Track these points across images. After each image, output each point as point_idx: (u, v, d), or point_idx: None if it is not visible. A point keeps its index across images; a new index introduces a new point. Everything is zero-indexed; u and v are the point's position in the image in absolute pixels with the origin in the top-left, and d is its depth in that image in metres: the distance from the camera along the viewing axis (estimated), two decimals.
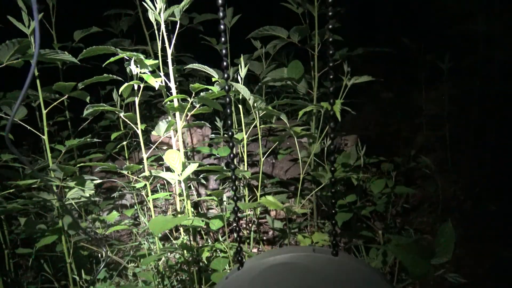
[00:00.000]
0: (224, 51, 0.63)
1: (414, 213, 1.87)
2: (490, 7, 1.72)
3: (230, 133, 0.66)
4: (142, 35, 2.00)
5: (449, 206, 1.76)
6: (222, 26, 0.63)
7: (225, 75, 0.64)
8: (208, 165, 1.29)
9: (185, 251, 1.28)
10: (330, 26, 0.65)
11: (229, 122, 0.65)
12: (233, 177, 0.66)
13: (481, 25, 1.66)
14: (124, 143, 1.69)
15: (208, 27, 2.07)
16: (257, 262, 0.63)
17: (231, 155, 0.66)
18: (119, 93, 1.31)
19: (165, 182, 1.87)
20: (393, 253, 1.11)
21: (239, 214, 0.72)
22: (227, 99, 0.66)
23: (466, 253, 1.55)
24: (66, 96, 1.33)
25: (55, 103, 1.35)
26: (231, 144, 0.66)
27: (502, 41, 1.67)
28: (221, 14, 0.62)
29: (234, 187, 0.67)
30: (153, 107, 2.81)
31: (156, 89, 1.17)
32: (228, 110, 0.66)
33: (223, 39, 0.63)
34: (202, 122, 1.37)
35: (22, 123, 1.33)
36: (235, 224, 0.69)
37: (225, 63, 0.64)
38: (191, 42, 2.17)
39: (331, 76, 0.64)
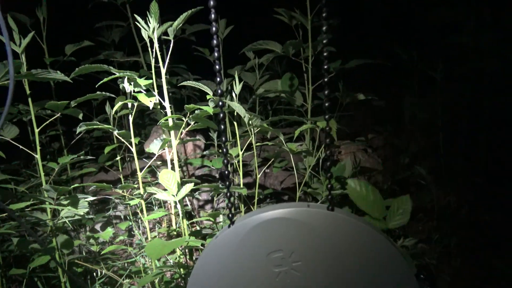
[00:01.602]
0: (217, 67, 0.63)
1: (409, 222, 1.88)
2: (480, 19, 1.73)
3: (224, 150, 0.66)
4: (134, 45, 1.99)
5: (444, 215, 1.77)
6: (215, 41, 0.63)
7: (219, 91, 0.64)
8: (201, 182, 1.29)
9: (181, 269, 1.27)
10: (325, 41, 0.65)
11: (223, 138, 0.65)
12: (228, 194, 0.67)
13: (470, 37, 1.67)
14: (118, 158, 1.68)
15: (201, 36, 2.06)
16: (249, 219, 0.61)
17: (226, 172, 0.65)
18: (113, 109, 1.30)
19: None
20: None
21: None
22: (221, 115, 0.66)
23: (462, 263, 1.56)
24: (59, 114, 1.32)
25: (47, 122, 1.34)
26: (225, 161, 0.65)
27: (491, 52, 1.68)
28: (213, 29, 0.62)
29: (229, 205, 0.66)
30: (146, 115, 2.80)
31: (151, 108, 1.16)
32: (222, 127, 0.65)
33: (216, 54, 0.63)
34: (197, 138, 1.36)
35: (13, 142, 1.32)
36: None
37: (218, 79, 0.64)
38: (184, 51, 2.16)
39: (326, 92, 0.64)
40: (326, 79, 0.61)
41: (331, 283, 0.60)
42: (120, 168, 1.79)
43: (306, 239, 0.60)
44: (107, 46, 2.18)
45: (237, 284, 0.60)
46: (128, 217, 1.89)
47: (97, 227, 1.94)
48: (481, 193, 1.75)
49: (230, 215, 0.64)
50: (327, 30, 0.64)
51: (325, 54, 0.64)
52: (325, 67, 0.64)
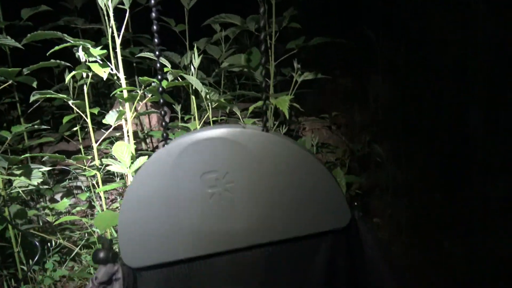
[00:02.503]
0: (156, 40, 0.63)
1: (366, 198, 1.94)
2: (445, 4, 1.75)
3: (163, 123, 0.64)
4: (97, 12, 1.92)
5: (398, 193, 1.84)
6: (153, 14, 0.62)
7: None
8: None
9: None
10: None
11: (162, 112, 0.64)
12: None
13: (435, 21, 1.69)
14: (76, 128, 1.65)
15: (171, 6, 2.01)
16: (183, 139, 0.60)
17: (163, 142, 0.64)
18: (66, 78, 1.27)
19: None
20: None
21: None
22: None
23: (411, 241, 1.63)
24: (10, 82, 1.28)
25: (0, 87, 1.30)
26: (164, 134, 0.64)
27: (454, 37, 1.71)
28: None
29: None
30: (111, 84, 2.74)
31: (104, 79, 1.14)
32: (161, 100, 0.64)
33: (155, 27, 0.62)
34: (155, 110, 1.35)
35: None
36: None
37: (157, 52, 0.63)
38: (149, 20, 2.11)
39: (263, 72, 0.63)
40: (263, 59, 0.61)
41: (264, 205, 0.61)
42: (79, 139, 1.76)
43: (241, 160, 0.60)
44: (70, 12, 2.10)
45: (171, 205, 0.60)
46: (89, 188, 1.87)
47: (57, 197, 1.93)
48: (435, 174, 1.82)
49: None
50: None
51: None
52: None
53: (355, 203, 0.64)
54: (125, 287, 0.62)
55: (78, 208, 1.76)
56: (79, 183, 2.07)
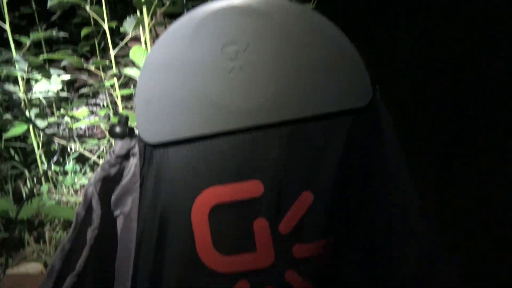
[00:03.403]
0: None
1: None
2: None
3: None
4: None
5: None
6: None
7: None
8: None
9: None
10: None
11: None
12: None
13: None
14: (95, 40, 1.65)
15: None
16: (204, 7, 0.57)
17: None
18: None
19: None
20: None
21: None
22: None
23: None
24: None
25: None
26: None
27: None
28: None
29: None
30: (130, 6, 2.68)
31: None
32: None
33: None
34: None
35: None
36: None
37: None
38: None
39: None
40: None
41: (285, 80, 0.59)
42: (98, 55, 1.77)
43: (264, 31, 0.57)
44: None
45: (190, 77, 0.59)
46: (108, 106, 1.91)
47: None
48: None
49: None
50: None
51: None
52: None
53: (376, 86, 0.60)
54: (142, 164, 0.63)
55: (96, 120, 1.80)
56: (98, 101, 2.11)
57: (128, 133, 0.62)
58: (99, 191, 0.60)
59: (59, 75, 1.34)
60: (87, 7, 1.25)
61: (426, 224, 0.61)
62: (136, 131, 0.63)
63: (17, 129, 1.30)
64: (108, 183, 0.62)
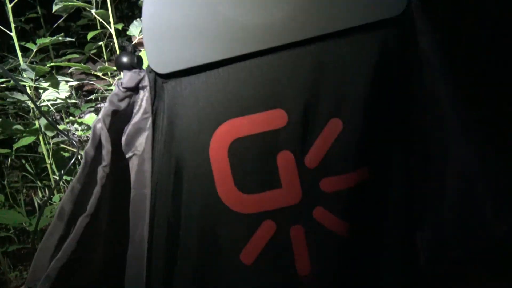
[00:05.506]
0: None
1: None
2: None
3: None
4: None
5: None
6: None
7: None
8: None
9: None
10: None
11: None
12: None
13: None
14: (101, 43, 1.62)
15: None
16: None
17: None
18: None
19: None
20: None
21: None
22: None
23: None
24: None
25: None
26: None
27: None
28: None
29: None
30: (135, 6, 2.65)
31: None
32: None
33: None
34: None
35: None
36: None
37: None
38: None
39: None
40: None
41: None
42: (105, 57, 1.73)
43: None
44: None
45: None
46: None
47: (86, 117, 1.95)
48: None
49: None
50: None
51: None
52: None
53: None
54: (153, 97, 0.57)
55: None
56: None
57: (137, 63, 0.56)
58: (108, 127, 0.54)
59: (66, 82, 1.31)
60: (93, 11, 1.21)
61: (472, 149, 0.56)
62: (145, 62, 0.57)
63: (27, 139, 1.28)
64: (117, 119, 0.56)
